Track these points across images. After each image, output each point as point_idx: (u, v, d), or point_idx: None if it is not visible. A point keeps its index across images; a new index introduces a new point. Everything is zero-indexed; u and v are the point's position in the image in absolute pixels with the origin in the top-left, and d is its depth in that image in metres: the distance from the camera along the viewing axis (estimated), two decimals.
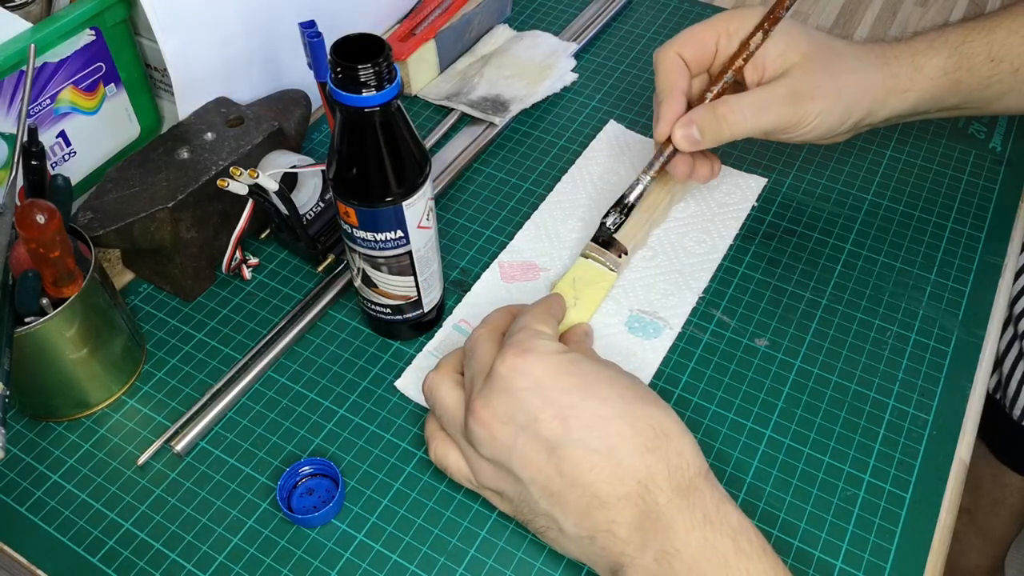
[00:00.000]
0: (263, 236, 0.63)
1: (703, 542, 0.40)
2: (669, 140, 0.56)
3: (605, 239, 0.58)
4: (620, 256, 0.58)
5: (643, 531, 0.41)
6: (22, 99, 0.49)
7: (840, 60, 0.55)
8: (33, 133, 0.49)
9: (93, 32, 0.58)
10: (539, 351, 0.44)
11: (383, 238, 0.49)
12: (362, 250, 0.51)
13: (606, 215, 0.58)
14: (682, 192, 0.64)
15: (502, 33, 0.80)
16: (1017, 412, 0.80)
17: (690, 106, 0.56)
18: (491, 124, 0.71)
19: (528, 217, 0.65)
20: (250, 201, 0.57)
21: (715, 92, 0.56)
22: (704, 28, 0.57)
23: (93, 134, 0.62)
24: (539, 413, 0.42)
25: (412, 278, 0.53)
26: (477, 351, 0.46)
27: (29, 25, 0.55)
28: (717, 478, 0.43)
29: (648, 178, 0.57)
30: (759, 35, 0.54)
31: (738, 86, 0.56)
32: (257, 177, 0.53)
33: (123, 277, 0.62)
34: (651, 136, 0.70)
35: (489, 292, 0.60)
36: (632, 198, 0.58)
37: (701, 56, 0.57)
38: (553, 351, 0.44)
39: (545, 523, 0.44)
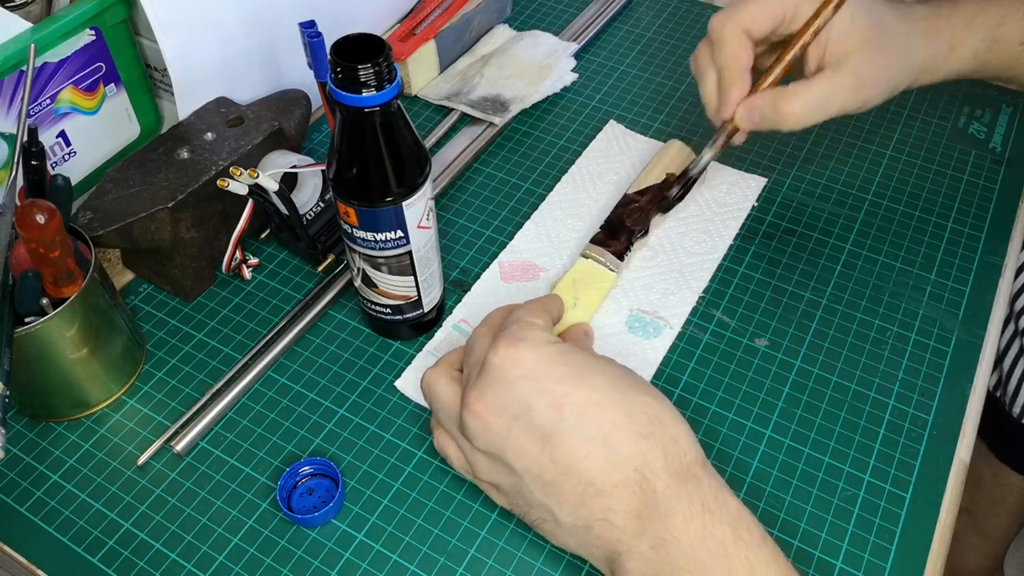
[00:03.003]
0: (263, 236, 0.63)
1: (702, 530, 0.40)
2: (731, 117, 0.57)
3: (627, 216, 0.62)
4: (652, 217, 0.61)
5: (640, 519, 0.41)
6: (22, 99, 0.49)
7: (893, 42, 0.56)
8: (33, 133, 0.49)
9: (93, 32, 0.58)
10: (531, 340, 0.44)
11: (383, 238, 0.49)
12: (362, 250, 0.51)
13: (670, 188, 0.61)
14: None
15: (502, 33, 0.80)
16: (1017, 410, 0.80)
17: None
18: (491, 124, 0.71)
19: (528, 217, 0.65)
20: (250, 201, 0.57)
21: (779, 70, 0.56)
22: (772, 4, 0.55)
23: (93, 134, 0.62)
24: (533, 402, 0.42)
25: (412, 278, 0.53)
26: (475, 347, 0.46)
27: (29, 25, 0.55)
28: None
29: (712, 152, 0.60)
30: (829, 10, 0.54)
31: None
32: (257, 177, 0.53)
33: (123, 277, 0.62)
34: (651, 136, 0.71)
35: (489, 292, 0.60)
36: (695, 172, 0.61)
37: (765, 33, 0.56)
38: (545, 340, 0.44)
39: (540, 514, 0.44)
